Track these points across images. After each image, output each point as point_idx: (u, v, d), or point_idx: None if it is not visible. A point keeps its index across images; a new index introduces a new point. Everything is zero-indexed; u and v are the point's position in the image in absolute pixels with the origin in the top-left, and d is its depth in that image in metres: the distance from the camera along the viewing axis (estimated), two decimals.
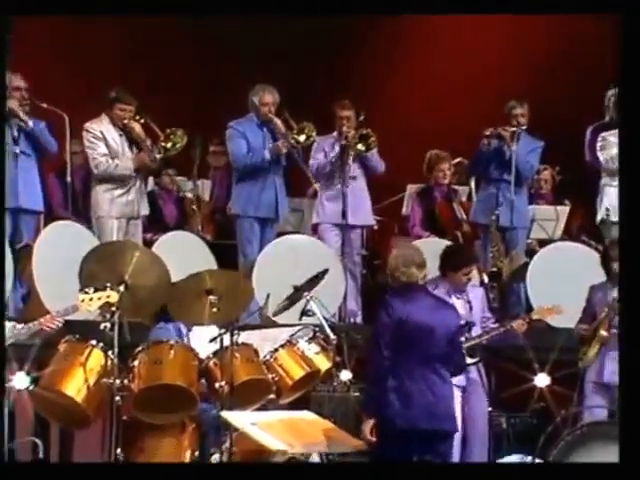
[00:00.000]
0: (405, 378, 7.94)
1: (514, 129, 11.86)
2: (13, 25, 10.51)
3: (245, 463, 8.37)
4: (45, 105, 11.26)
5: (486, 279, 11.07)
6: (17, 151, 10.88)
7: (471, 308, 10.08)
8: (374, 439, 7.89)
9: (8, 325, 8.40)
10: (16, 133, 10.90)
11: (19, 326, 8.44)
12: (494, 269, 11.76)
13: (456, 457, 9.82)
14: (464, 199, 12.72)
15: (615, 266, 9.78)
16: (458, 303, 9.95)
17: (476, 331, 9.98)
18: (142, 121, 11.34)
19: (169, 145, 11.41)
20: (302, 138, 11.51)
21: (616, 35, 8.88)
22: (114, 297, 8.57)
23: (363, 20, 13.86)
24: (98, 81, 11.97)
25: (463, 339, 9.66)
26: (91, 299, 8.55)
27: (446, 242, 11.33)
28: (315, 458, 9.09)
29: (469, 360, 9.80)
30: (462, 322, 9.63)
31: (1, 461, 7.75)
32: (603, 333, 9.66)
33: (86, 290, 8.65)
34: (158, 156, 11.36)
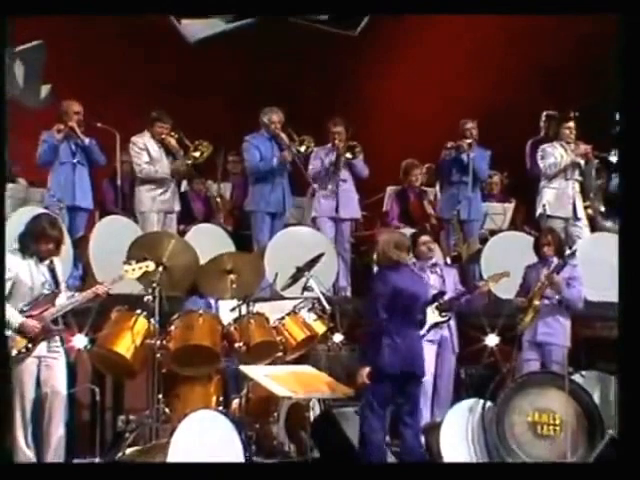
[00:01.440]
0: (395, 336, 7.90)
1: (469, 141, 11.84)
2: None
3: (245, 463, 7.86)
4: (99, 124, 11.19)
5: (449, 260, 11.08)
6: (75, 161, 10.89)
7: (444, 281, 10.04)
8: (367, 382, 7.84)
9: (67, 294, 8.36)
10: (74, 147, 10.88)
11: (77, 294, 8.38)
12: (455, 253, 11.81)
13: (428, 399, 9.89)
14: (432, 198, 12.67)
15: (545, 250, 9.92)
16: (433, 277, 10.06)
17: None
18: (176, 136, 11.31)
19: (197, 154, 11.45)
20: (303, 149, 11.50)
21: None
22: (151, 266, 8.55)
23: (348, 58, 13.84)
24: (142, 103, 11.87)
25: (437, 303, 9.84)
26: (133, 269, 8.50)
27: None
28: (314, 403, 8.90)
29: (441, 318, 9.89)
30: (435, 291, 9.85)
31: (1, 461, 7.12)
32: (536, 303, 9.67)
33: (129, 262, 8.61)
34: (189, 162, 11.37)
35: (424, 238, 10.18)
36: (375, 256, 8.37)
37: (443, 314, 9.90)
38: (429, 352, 9.78)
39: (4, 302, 7.54)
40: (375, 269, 8.42)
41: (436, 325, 9.88)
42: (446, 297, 9.92)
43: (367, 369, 7.88)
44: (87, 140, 10.94)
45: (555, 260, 9.87)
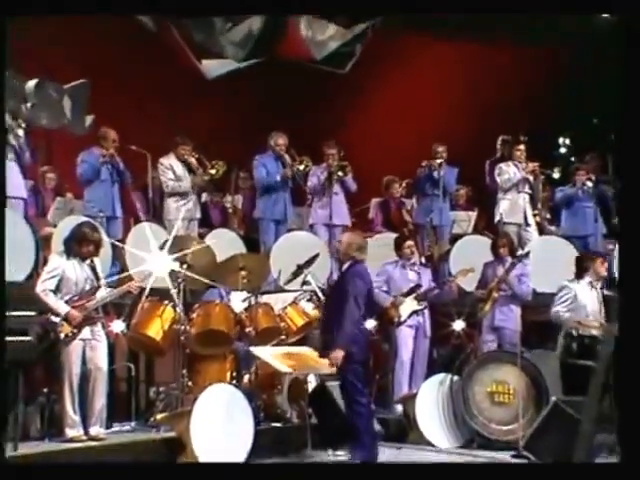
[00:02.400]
0: (361, 327, 7.91)
1: (440, 161, 11.86)
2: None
3: (244, 463, 7.67)
4: (134, 147, 11.18)
5: (423, 259, 11.18)
6: (112, 180, 10.82)
7: (420, 277, 10.06)
8: (340, 364, 7.77)
9: (106, 288, 8.34)
10: (111, 169, 10.79)
11: (115, 290, 8.36)
12: (429, 253, 11.79)
13: (406, 374, 9.98)
14: (409, 207, 12.65)
15: (501, 251, 10.03)
16: (411, 273, 10.09)
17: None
18: (196, 156, 11.27)
19: (214, 172, 11.40)
20: (302, 167, 11.49)
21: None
22: (176, 266, 8.55)
23: (339, 92, 13.86)
24: (168, 130, 11.89)
25: (415, 294, 9.91)
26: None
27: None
28: (312, 377, 8.99)
29: (418, 307, 9.94)
30: (413, 285, 9.94)
31: (1, 461, 6.55)
32: (494, 295, 9.75)
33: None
34: (207, 178, 11.35)
35: (409, 243, 10.23)
36: (338, 255, 8.33)
37: (420, 303, 9.91)
38: (408, 335, 9.97)
39: (4, 302, 7.24)
40: (346, 267, 8.14)
41: (414, 313, 9.91)
42: (422, 289, 9.95)
43: (342, 353, 7.75)
44: (122, 165, 10.85)
45: (509, 259, 9.94)
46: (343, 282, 8.01)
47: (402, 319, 9.87)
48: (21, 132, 10.22)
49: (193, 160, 11.25)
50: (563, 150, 12.83)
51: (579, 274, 9.73)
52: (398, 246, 10.23)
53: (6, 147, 10.12)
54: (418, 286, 9.94)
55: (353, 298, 7.83)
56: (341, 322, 7.84)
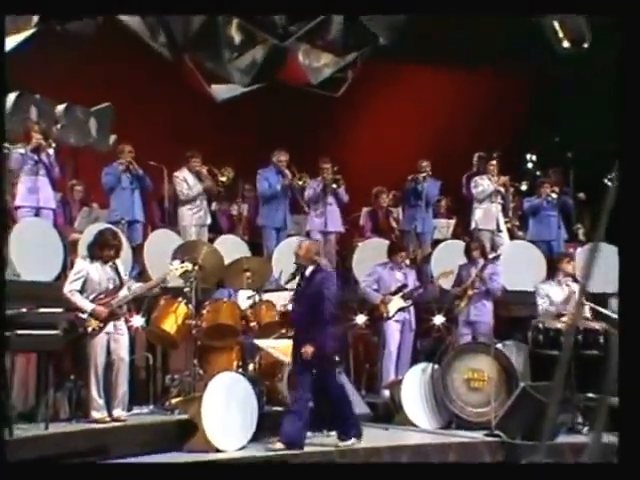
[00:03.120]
0: (332, 327, 7.89)
1: (423, 175, 11.83)
2: None
3: (244, 463, 7.41)
4: (152, 162, 11.16)
5: (408, 262, 11.21)
6: (132, 187, 10.80)
7: (406, 277, 10.00)
8: (309, 358, 7.65)
9: (128, 285, 8.36)
10: (131, 177, 10.78)
11: (136, 288, 8.41)
12: (413, 256, 11.72)
13: (393, 363, 9.90)
14: (396, 216, 12.58)
15: (474, 253, 10.01)
16: (399, 274, 10.00)
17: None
18: (206, 168, 11.23)
19: (224, 179, 11.41)
20: (300, 182, 11.47)
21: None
22: (189, 267, 8.55)
23: (333, 113, 13.83)
24: (182, 146, 11.88)
25: (402, 293, 9.84)
26: (176, 269, 8.54)
27: (386, 242, 11.20)
28: None
29: (405, 304, 9.88)
30: (400, 284, 9.88)
31: (1, 461, 6.09)
32: (469, 292, 9.73)
33: (173, 263, 8.66)
34: (216, 188, 11.36)
35: (402, 253, 10.16)
36: (298, 260, 8.17)
37: (406, 301, 9.88)
38: (395, 329, 9.93)
39: (4, 304, 7.09)
40: (311, 270, 8.00)
41: (401, 309, 9.86)
42: (408, 289, 9.92)
43: (312, 348, 7.63)
44: (141, 171, 10.84)
45: (481, 261, 9.95)
46: (314, 284, 7.86)
47: (390, 315, 9.83)
48: (51, 151, 10.23)
49: (203, 170, 11.19)
50: (530, 165, 12.83)
51: (550, 274, 9.91)
52: (392, 252, 10.17)
53: (38, 165, 10.18)
54: (404, 286, 9.90)
55: (328, 299, 7.76)
56: (319, 321, 7.73)
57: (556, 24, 6.56)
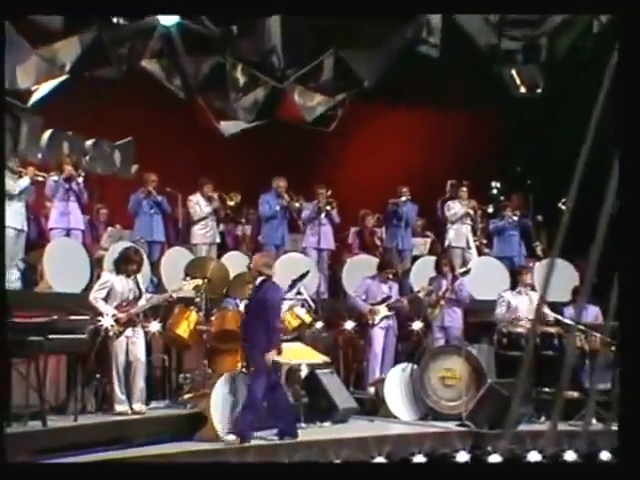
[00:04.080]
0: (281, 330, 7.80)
1: (404, 199, 11.77)
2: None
3: (241, 463, 7.02)
4: (168, 189, 11.14)
5: (391, 275, 11.15)
6: (152, 212, 10.77)
7: (390, 290, 9.91)
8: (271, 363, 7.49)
9: (147, 296, 8.32)
10: (151, 203, 10.75)
11: (153, 299, 8.39)
12: (394, 271, 11.69)
13: (378, 364, 9.73)
14: (380, 235, 12.48)
15: (443, 268, 9.88)
16: (385, 287, 9.87)
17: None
18: (217, 193, 11.17)
19: (232, 203, 11.37)
20: (297, 205, 11.41)
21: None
22: (199, 282, 8.50)
23: (326, 145, 13.79)
24: (195, 174, 11.81)
25: (386, 304, 9.71)
26: (188, 283, 8.50)
27: (371, 257, 11.17)
28: (304, 366, 8.73)
29: (388, 313, 9.76)
30: (385, 296, 9.79)
31: (1, 461, 5.63)
32: (442, 303, 9.65)
33: (185, 278, 8.63)
34: (225, 211, 11.33)
35: (389, 270, 10.05)
36: (251, 272, 8.00)
37: (390, 310, 9.81)
38: (380, 334, 9.80)
39: (4, 306, 7.00)
40: (259, 282, 7.78)
41: (385, 317, 9.78)
42: (392, 299, 9.85)
43: (274, 353, 7.49)
44: (159, 198, 10.80)
45: (450, 275, 9.87)
46: (261, 294, 7.64)
47: (376, 322, 9.76)
48: (81, 179, 10.25)
49: (215, 195, 11.14)
50: (495, 191, 12.83)
51: (512, 285, 9.93)
52: (381, 268, 10.06)
53: (69, 191, 10.17)
54: (389, 297, 9.83)
55: (272, 308, 7.57)
56: (264, 328, 7.51)
57: (514, 73, 6.65)
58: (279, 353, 7.63)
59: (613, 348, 8.07)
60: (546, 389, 8.39)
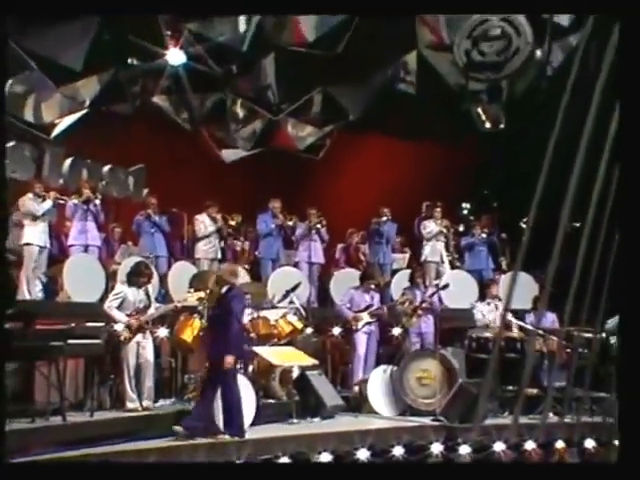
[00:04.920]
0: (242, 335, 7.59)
1: (385, 219, 11.84)
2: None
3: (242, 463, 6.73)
4: (175, 210, 11.15)
5: (373, 286, 11.12)
6: (152, 231, 10.76)
7: (372, 299, 9.89)
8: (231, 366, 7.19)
9: (155, 305, 8.30)
10: (152, 223, 10.77)
11: (161, 309, 8.39)
12: (376, 283, 11.65)
13: (362, 365, 9.70)
14: (364, 251, 12.51)
15: (417, 280, 9.92)
16: (367, 296, 9.81)
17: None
18: (220, 214, 11.17)
19: (234, 223, 11.39)
20: (290, 223, 11.42)
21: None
22: (202, 295, 8.43)
23: (316, 171, 13.78)
24: (201, 196, 11.74)
25: (368, 311, 9.67)
26: (192, 295, 8.47)
27: (356, 271, 11.19)
28: (295, 368, 8.70)
29: (371, 320, 9.69)
30: (367, 304, 9.76)
31: (1, 461, 5.20)
32: (419, 312, 9.60)
33: (189, 290, 8.63)
34: (227, 230, 11.30)
35: (371, 281, 10.04)
36: (217, 281, 7.80)
37: (372, 317, 9.79)
38: (363, 339, 9.77)
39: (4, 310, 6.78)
40: (225, 290, 7.51)
41: (368, 323, 9.76)
42: (373, 308, 9.83)
43: (232, 358, 7.18)
44: (157, 218, 10.78)
45: (422, 286, 9.92)
46: (225, 302, 7.35)
47: (359, 328, 9.75)
48: (98, 202, 10.29)
49: (218, 216, 11.13)
50: (465, 212, 12.88)
51: (481, 297, 9.96)
52: (363, 279, 10.06)
53: (87, 212, 10.18)
54: (371, 305, 9.82)
55: (235, 315, 7.27)
56: (227, 334, 7.20)
57: (480, 110, 6.75)
58: (238, 358, 7.35)
59: (568, 350, 8.09)
60: (509, 387, 8.39)
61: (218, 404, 7.27)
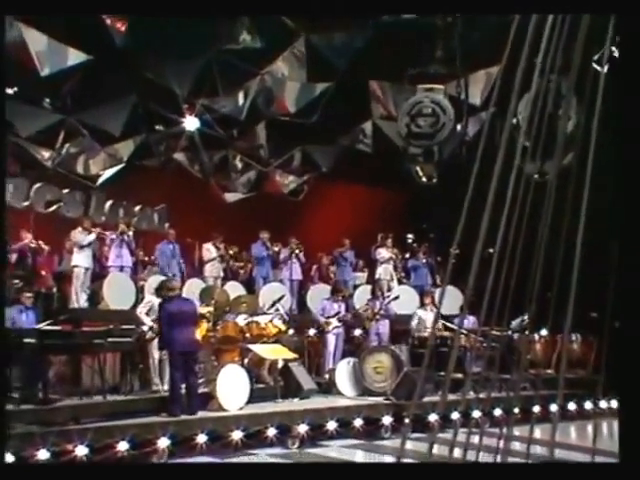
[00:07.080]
0: (175, 333, 7.14)
1: (346, 247, 11.93)
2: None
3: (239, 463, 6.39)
4: (189, 239, 11.11)
5: (340, 298, 11.05)
6: (170, 255, 10.64)
7: (340, 307, 9.79)
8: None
9: None
10: (171, 249, 10.69)
11: None
12: (343, 295, 11.10)
13: (331, 359, 9.39)
14: (333, 270, 12.42)
15: (377, 293, 9.86)
16: (336, 305, 9.63)
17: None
18: (223, 244, 11.13)
19: (232, 252, 11.31)
20: (276, 249, 11.40)
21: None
22: (211, 309, 8.34)
23: (297, 211, 13.71)
24: (209, 228, 11.63)
25: (337, 317, 9.45)
26: (202, 307, 8.43)
27: (326, 286, 11.12)
28: (280, 361, 8.44)
29: (338, 324, 9.49)
30: (335, 312, 9.61)
31: (1, 461, 4.45)
32: (377, 317, 9.61)
33: (201, 305, 8.57)
34: (227, 257, 11.22)
35: (339, 294, 9.86)
36: (158, 293, 7.60)
37: (339, 322, 9.62)
38: (332, 338, 9.63)
39: (4, 311, 6.55)
40: (160, 301, 7.40)
41: (336, 327, 9.64)
42: (341, 314, 9.65)
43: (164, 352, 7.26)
44: (171, 245, 10.67)
45: (381, 298, 9.91)
46: (161, 310, 7.28)
47: (330, 329, 9.69)
48: (131, 233, 10.29)
49: (221, 246, 11.11)
50: (410, 241, 12.97)
51: (421, 305, 10.04)
52: (333, 292, 9.93)
53: (122, 242, 10.09)
54: (338, 312, 9.78)
55: (165, 321, 7.17)
56: (165, 335, 7.20)
57: (418, 169, 6.99)
58: (189, 350, 7.19)
59: (484, 344, 8.17)
60: (441, 373, 8.42)
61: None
